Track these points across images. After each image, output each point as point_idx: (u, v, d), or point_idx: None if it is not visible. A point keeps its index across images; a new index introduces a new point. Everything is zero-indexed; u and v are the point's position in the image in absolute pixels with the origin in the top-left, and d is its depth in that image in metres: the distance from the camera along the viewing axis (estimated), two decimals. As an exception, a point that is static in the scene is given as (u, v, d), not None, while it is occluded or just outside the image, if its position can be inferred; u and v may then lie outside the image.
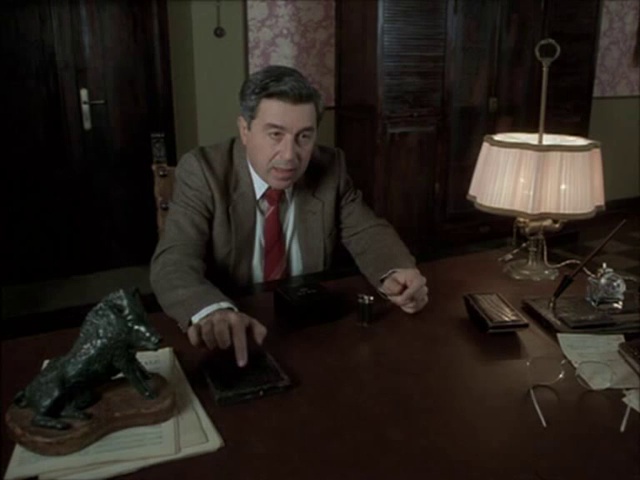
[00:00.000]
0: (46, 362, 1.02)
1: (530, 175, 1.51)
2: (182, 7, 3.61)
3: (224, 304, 1.21)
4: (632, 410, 0.99)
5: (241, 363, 1.06)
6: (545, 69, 1.60)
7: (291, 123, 1.43)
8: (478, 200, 1.63)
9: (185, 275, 1.34)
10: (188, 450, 0.88)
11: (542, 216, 1.56)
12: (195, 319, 1.19)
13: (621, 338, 1.24)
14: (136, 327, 0.92)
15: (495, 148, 1.59)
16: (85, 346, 0.92)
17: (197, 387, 1.05)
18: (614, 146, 4.37)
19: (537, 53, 1.62)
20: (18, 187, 3.64)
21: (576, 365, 1.11)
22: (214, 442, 0.90)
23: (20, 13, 3.48)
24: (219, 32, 3.61)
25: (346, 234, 1.69)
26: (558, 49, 1.59)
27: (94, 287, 3.66)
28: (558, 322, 1.30)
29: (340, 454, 0.89)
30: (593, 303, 1.37)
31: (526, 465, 0.87)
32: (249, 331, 1.13)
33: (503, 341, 1.25)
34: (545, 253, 1.65)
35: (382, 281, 1.43)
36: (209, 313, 1.18)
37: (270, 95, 1.42)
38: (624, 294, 1.38)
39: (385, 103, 3.63)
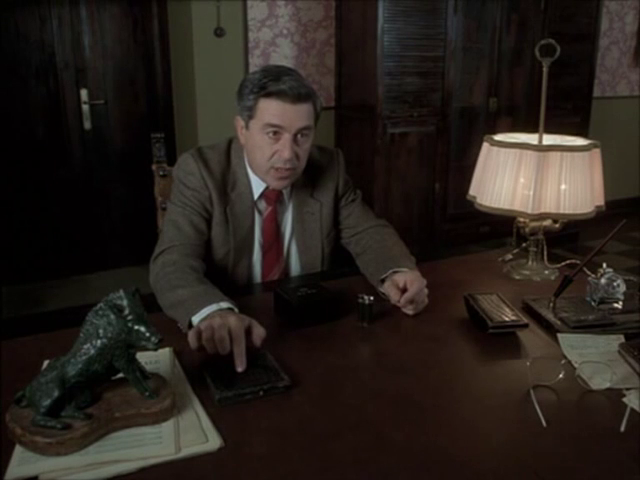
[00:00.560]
0: (46, 362, 1.02)
1: (530, 175, 1.51)
2: (182, 7, 3.61)
3: (224, 304, 1.21)
4: (632, 410, 0.99)
5: (240, 369, 1.07)
6: (545, 69, 1.60)
7: (290, 122, 1.43)
8: (478, 200, 1.63)
9: (184, 275, 1.34)
10: (188, 450, 0.88)
11: (542, 216, 1.56)
12: (195, 319, 1.19)
13: (621, 338, 1.24)
14: (136, 327, 0.92)
15: (495, 148, 1.59)
16: (85, 346, 0.92)
17: (197, 387, 1.05)
18: (614, 146, 4.37)
19: (537, 53, 1.62)
20: (18, 187, 3.65)
21: (576, 365, 1.11)
22: (214, 442, 0.90)
23: (20, 13, 3.48)
24: (219, 32, 3.61)
25: (346, 235, 1.69)
26: (558, 49, 1.59)
27: (94, 287, 3.66)
28: (558, 322, 1.30)
29: (340, 454, 0.89)
30: (593, 303, 1.37)
31: (526, 465, 0.87)
32: (248, 332, 1.13)
33: (503, 341, 1.25)
34: (545, 253, 1.65)
35: (382, 281, 1.43)
36: (209, 313, 1.18)
37: (268, 94, 1.42)
38: (624, 294, 1.38)
39: (385, 103, 3.63)
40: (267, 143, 1.45)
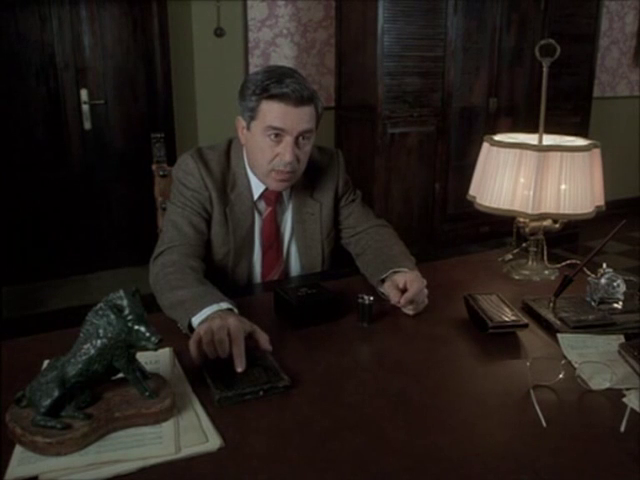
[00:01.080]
0: (46, 362, 1.02)
1: (530, 175, 1.51)
2: (182, 7, 3.61)
3: (224, 304, 1.21)
4: (632, 410, 0.99)
5: (239, 369, 1.07)
6: (545, 69, 1.60)
7: (292, 125, 1.43)
8: (478, 200, 1.63)
9: (184, 276, 1.34)
10: (188, 450, 0.88)
11: (542, 216, 1.56)
12: (195, 320, 1.19)
13: (621, 338, 1.24)
14: (136, 327, 0.92)
15: (495, 148, 1.59)
16: (85, 346, 0.92)
17: (197, 387, 1.05)
18: (614, 146, 4.37)
19: (537, 53, 1.62)
20: (18, 187, 3.65)
21: (576, 365, 1.11)
22: (214, 442, 0.90)
23: (20, 13, 3.48)
24: (219, 32, 3.61)
25: (346, 235, 1.69)
26: (558, 49, 1.59)
27: (94, 287, 3.67)
28: (558, 322, 1.30)
29: (340, 454, 0.89)
30: (593, 303, 1.37)
31: (526, 465, 0.87)
32: (250, 338, 1.13)
33: (503, 341, 1.25)
34: (545, 253, 1.65)
35: (382, 282, 1.43)
36: (209, 314, 1.17)
37: (271, 97, 1.41)
38: (624, 294, 1.38)
39: (385, 103, 3.63)
40: (268, 145, 1.45)
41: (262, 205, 1.59)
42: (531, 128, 1.82)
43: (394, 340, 1.27)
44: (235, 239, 1.55)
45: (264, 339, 1.15)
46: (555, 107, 3.89)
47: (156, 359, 1.13)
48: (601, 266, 1.41)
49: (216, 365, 1.09)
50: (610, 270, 1.39)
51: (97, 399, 0.94)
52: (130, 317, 0.92)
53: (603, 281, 1.37)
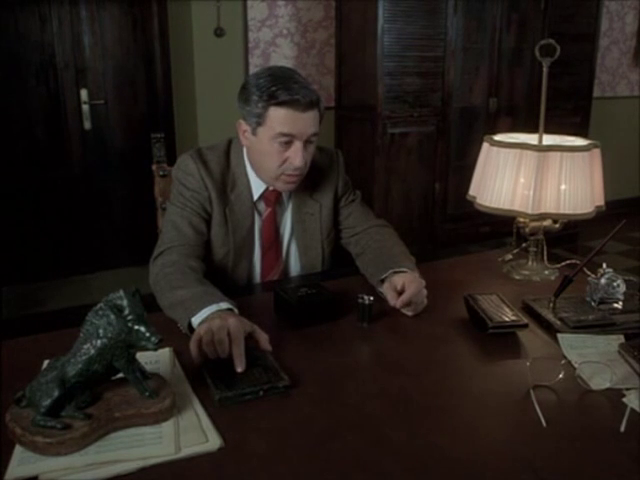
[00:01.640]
0: (46, 362, 1.02)
1: (530, 175, 1.51)
2: (182, 7, 3.61)
3: (224, 304, 1.21)
4: (632, 410, 0.99)
5: (239, 369, 1.07)
6: (545, 69, 1.60)
7: (301, 130, 1.43)
8: (478, 200, 1.63)
9: (184, 276, 1.34)
10: (188, 450, 0.89)
11: (542, 216, 1.56)
12: (195, 320, 1.19)
13: (621, 338, 1.24)
14: (136, 327, 0.92)
15: (495, 148, 1.59)
16: (85, 346, 0.92)
17: (197, 387, 1.05)
18: (614, 146, 4.37)
19: (537, 53, 1.62)
20: (18, 187, 3.65)
21: (576, 365, 1.11)
22: (214, 442, 0.90)
23: (20, 13, 3.48)
24: (219, 32, 3.61)
25: (346, 235, 1.69)
26: (558, 49, 1.59)
27: (94, 287, 3.67)
28: (558, 322, 1.30)
29: (340, 454, 0.89)
30: (593, 303, 1.37)
31: (526, 465, 0.87)
32: (250, 338, 1.14)
33: (503, 341, 1.25)
34: (545, 253, 1.65)
35: (382, 282, 1.43)
36: (209, 314, 1.18)
37: (280, 104, 1.40)
38: (624, 294, 1.38)
39: (385, 103, 3.63)
40: (277, 151, 1.45)
41: (262, 205, 1.59)
42: (531, 128, 1.82)
43: (394, 340, 1.27)
44: (235, 239, 1.55)
45: (264, 339, 1.15)
46: (555, 107, 3.89)
47: (156, 359, 1.13)
48: (601, 266, 1.41)
49: (216, 365, 1.09)
50: (610, 270, 1.39)
51: (97, 399, 0.94)
52: (130, 317, 0.92)
53: (603, 281, 1.37)
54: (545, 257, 1.65)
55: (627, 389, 1.06)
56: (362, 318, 1.32)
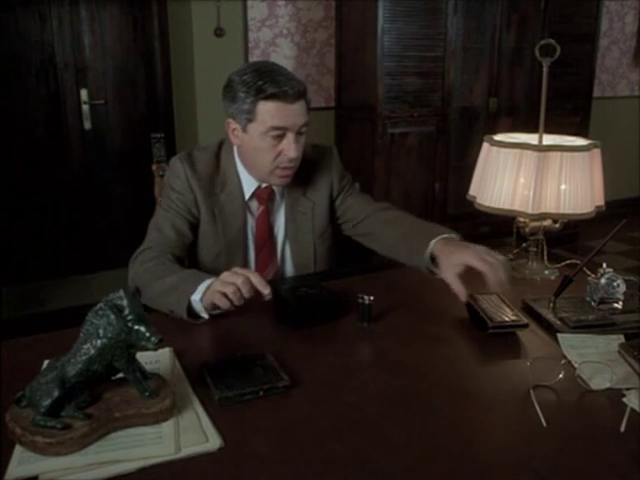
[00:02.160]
0: (46, 362, 1.02)
1: (530, 175, 1.51)
2: (182, 7, 3.61)
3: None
4: (632, 410, 0.99)
5: (267, 292, 1.15)
6: (545, 69, 1.60)
7: (292, 122, 1.43)
8: (478, 200, 1.63)
9: (166, 266, 1.38)
10: (188, 450, 0.88)
11: (542, 216, 1.56)
12: (196, 297, 1.23)
13: (621, 338, 1.24)
14: (136, 327, 0.92)
15: (495, 148, 1.59)
16: (85, 346, 0.92)
17: (197, 387, 1.05)
18: (614, 146, 4.36)
19: (537, 53, 1.62)
20: (18, 187, 3.65)
21: (576, 365, 1.11)
22: (214, 442, 0.90)
23: (20, 13, 3.48)
24: (219, 32, 3.60)
25: (349, 226, 1.67)
26: (558, 49, 1.59)
27: (94, 287, 3.66)
28: (558, 322, 1.30)
29: (340, 454, 0.89)
30: (593, 303, 1.37)
31: (526, 465, 0.87)
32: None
33: (503, 341, 1.25)
34: (545, 253, 1.65)
35: (432, 259, 1.39)
36: (208, 285, 1.22)
37: (268, 97, 1.40)
38: (624, 294, 1.38)
39: (385, 103, 3.63)
40: (270, 145, 1.45)
41: (254, 204, 1.59)
42: (531, 128, 1.82)
43: (394, 340, 1.27)
44: (225, 239, 1.56)
45: (260, 282, 1.18)
46: (555, 107, 3.88)
47: (156, 359, 1.13)
48: (601, 266, 1.41)
49: (216, 365, 1.09)
50: (610, 270, 1.39)
51: (97, 399, 0.94)
52: (130, 317, 0.92)
53: (603, 281, 1.37)
54: (545, 257, 1.65)
55: (627, 389, 1.06)
56: (362, 318, 1.32)
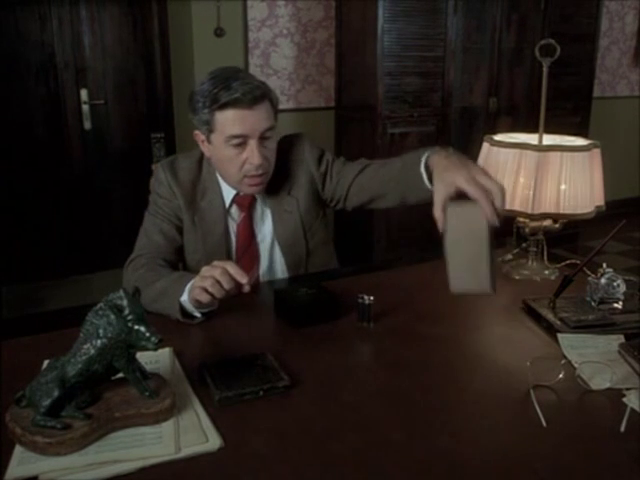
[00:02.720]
0: (46, 362, 1.02)
1: (530, 175, 1.51)
2: (182, 7, 3.61)
3: None
4: (632, 410, 0.99)
5: (244, 281, 1.15)
6: (545, 69, 1.60)
7: (252, 128, 1.40)
8: (478, 200, 1.63)
9: (156, 272, 1.40)
10: (188, 450, 0.88)
11: (542, 216, 1.56)
12: (184, 298, 1.25)
13: (621, 338, 1.24)
14: (136, 327, 0.92)
15: (495, 148, 1.59)
16: (85, 346, 0.92)
17: (197, 387, 1.05)
18: (614, 146, 4.37)
19: (537, 53, 1.62)
20: (18, 187, 3.64)
21: (576, 365, 1.11)
22: (214, 442, 0.90)
23: (20, 13, 3.48)
24: (219, 32, 3.61)
25: (343, 194, 1.59)
26: (558, 49, 1.59)
27: (94, 287, 3.66)
28: (558, 322, 1.30)
29: (340, 454, 0.89)
30: (593, 303, 1.37)
31: (526, 465, 0.87)
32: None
33: (503, 341, 1.25)
34: (545, 253, 1.65)
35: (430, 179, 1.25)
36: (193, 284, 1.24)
37: (223, 106, 1.38)
38: (624, 294, 1.38)
39: (385, 103, 3.63)
40: (234, 154, 1.43)
41: (236, 211, 1.58)
42: (531, 128, 1.82)
43: (394, 340, 1.27)
44: (205, 247, 1.55)
45: (237, 272, 1.18)
46: (555, 107, 3.89)
47: (156, 359, 1.13)
48: (601, 266, 1.41)
49: (216, 365, 1.09)
50: (610, 270, 1.39)
51: (97, 399, 0.94)
52: (130, 317, 0.92)
53: (603, 281, 1.37)
54: (545, 257, 1.65)
55: (627, 389, 1.06)
56: (362, 318, 1.32)
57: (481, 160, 1.66)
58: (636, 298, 1.39)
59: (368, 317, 1.31)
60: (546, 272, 1.63)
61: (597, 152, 1.59)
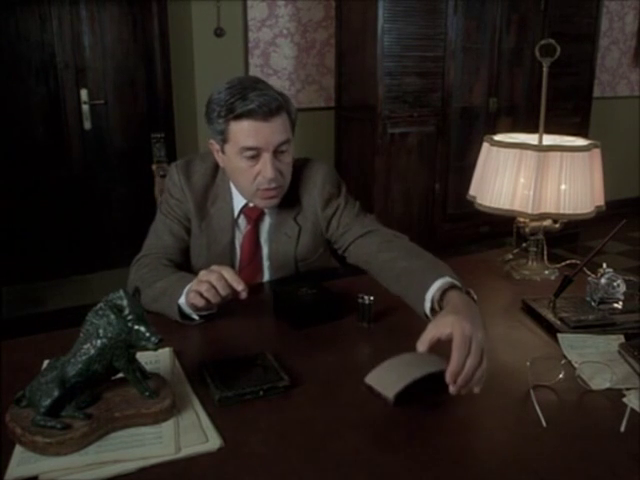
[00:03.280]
0: (46, 362, 1.02)
1: (530, 175, 1.51)
2: (182, 7, 3.61)
3: None
4: (632, 410, 0.99)
5: (240, 288, 1.14)
6: (545, 69, 1.60)
7: (266, 141, 1.36)
8: (478, 200, 1.63)
9: (158, 271, 1.39)
10: (188, 450, 0.88)
11: (542, 216, 1.56)
12: (182, 300, 1.25)
13: (621, 338, 1.24)
14: (136, 327, 0.92)
15: (495, 148, 1.59)
16: (85, 346, 0.92)
17: (197, 387, 1.05)
18: (614, 146, 4.37)
19: (537, 53, 1.62)
20: (18, 187, 3.65)
21: (576, 365, 1.11)
22: (214, 442, 0.90)
23: (20, 13, 3.48)
24: (219, 32, 3.60)
25: (341, 247, 1.55)
26: (558, 49, 1.59)
27: (94, 287, 3.67)
28: (558, 322, 1.30)
29: (340, 454, 0.89)
30: (593, 303, 1.37)
31: (526, 465, 0.87)
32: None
33: (503, 341, 1.25)
34: (545, 253, 1.65)
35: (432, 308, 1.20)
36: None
37: (238, 116, 1.35)
38: (624, 294, 1.38)
39: (385, 103, 3.63)
40: (247, 166, 1.40)
41: (243, 222, 1.55)
42: (531, 128, 1.82)
43: (394, 340, 1.27)
44: (210, 253, 1.53)
45: (234, 279, 1.17)
46: (555, 107, 3.88)
47: (156, 359, 1.13)
48: (601, 266, 1.41)
49: (216, 365, 1.09)
50: (610, 270, 1.39)
51: (97, 399, 0.94)
52: (130, 317, 0.92)
53: (603, 281, 1.37)
54: (545, 257, 1.65)
55: (627, 389, 1.06)
56: (362, 318, 1.32)
57: (481, 160, 1.67)
58: (636, 298, 1.39)
59: (368, 317, 1.31)
60: (546, 272, 1.63)
61: (597, 152, 1.59)
